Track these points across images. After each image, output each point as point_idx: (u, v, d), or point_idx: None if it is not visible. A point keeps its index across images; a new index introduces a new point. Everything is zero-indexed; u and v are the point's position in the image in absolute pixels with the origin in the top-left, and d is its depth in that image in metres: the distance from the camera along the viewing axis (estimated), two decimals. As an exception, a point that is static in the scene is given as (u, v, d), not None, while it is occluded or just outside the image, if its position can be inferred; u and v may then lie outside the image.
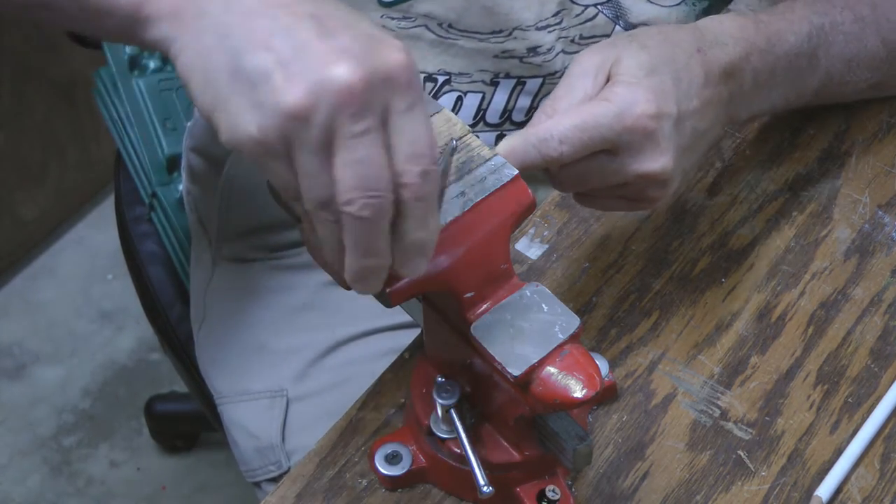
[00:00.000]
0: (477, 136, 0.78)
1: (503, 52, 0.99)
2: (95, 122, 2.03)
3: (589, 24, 1.01)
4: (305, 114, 0.63)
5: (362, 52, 0.64)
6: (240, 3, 0.66)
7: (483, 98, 1.02)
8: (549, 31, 0.99)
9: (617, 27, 1.02)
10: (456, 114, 1.02)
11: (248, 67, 0.64)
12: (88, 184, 2.11)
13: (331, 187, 0.64)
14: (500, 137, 1.04)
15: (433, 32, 0.98)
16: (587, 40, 1.01)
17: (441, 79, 1.01)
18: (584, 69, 0.83)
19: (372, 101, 0.64)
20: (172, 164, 1.39)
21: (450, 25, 0.98)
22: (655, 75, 0.81)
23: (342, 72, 0.63)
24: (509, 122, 1.04)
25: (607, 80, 0.82)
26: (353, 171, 0.64)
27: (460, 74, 1.01)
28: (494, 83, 1.02)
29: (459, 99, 1.02)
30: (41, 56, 1.93)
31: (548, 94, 1.02)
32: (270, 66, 0.64)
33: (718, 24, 0.88)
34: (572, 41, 1.01)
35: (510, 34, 0.99)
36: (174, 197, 1.37)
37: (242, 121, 0.64)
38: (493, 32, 0.98)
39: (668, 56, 0.83)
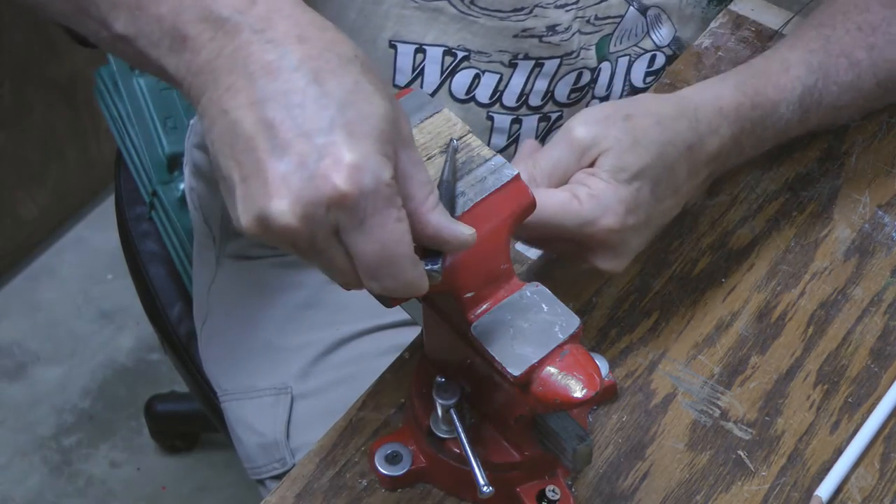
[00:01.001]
0: (477, 137, 0.78)
1: (523, 30, 1.00)
2: (95, 121, 2.03)
3: (604, 4, 1.01)
4: (258, 237, 0.66)
5: (302, 184, 0.64)
6: (217, 98, 0.67)
7: (500, 79, 1.03)
8: (567, 10, 1.00)
9: (631, 8, 1.02)
10: (473, 91, 1.03)
11: (222, 171, 0.67)
12: (88, 184, 2.11)
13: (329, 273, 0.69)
14: (515, 121, 1.04)
15: (455, 7, 0.99)
16: (602, 21, 1.02)
17: (460, 54, 1.01)
18: (573, 144, 0.84)
19: (311, 231, 0.65)
20: (173, 162, 1.39)
21: (471, 2, 0.98)
22: (636, 181, 0.83)
23: (278, 210, 0.64)
24: (526, 106, 1.04)
25: (592, 163, 0.84)
26: (330, 275, 0.69)
27: (479, 53, 1.01)
28: (513, 65, 1.02)
29: (477, 77, 1.03)
30: (41, 56, 1.93)
31: (564, 77, 1.02)
32: (234, 179, 0.66)
33: (716, 103, 0.89)
34: (588, 21, 1.01)
35: (531, 11, 0.99)
36: (175, 196, 1.37)
37: (233, 215, 0.67)
38: (514, 10, 0.99)
39: (657, 157, 0.84)
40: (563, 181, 0.84)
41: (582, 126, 0.84)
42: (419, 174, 0.68)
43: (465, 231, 0.69)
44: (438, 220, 0.69)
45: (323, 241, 0.66)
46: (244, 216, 0.66)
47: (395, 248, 0.66)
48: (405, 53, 1.01)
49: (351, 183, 0.64)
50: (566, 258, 0.88)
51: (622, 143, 0.83)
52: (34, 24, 1.88)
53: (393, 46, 1.01)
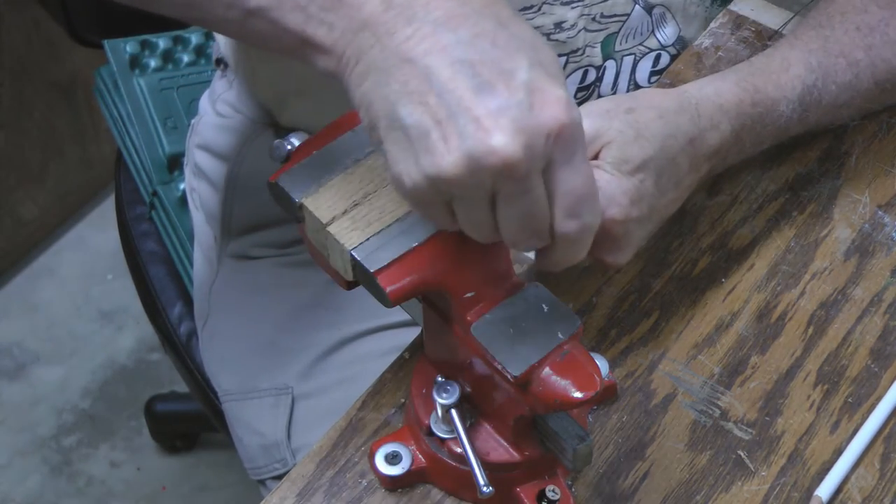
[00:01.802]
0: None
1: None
2: (95, 122, 2.03)
3: (610, 2, 1.02)
4: (463, 180, 0.65)
5: (520, 115, 0.64)
6: (397, 48, 0.66)
7: None
8: (573, 8, 1.00)
9: (637, 7, 1.03)
10: None
11: (404, 121, 0.65)
12: (88, 184, 2.11)
13: (493, 230, 0.68)
14: None
15: None
16: (608, 19, 1.02)
17: None
18: None
19: (531, 165, 0.65)
20: (173, 162, 1.39)
21: None
22: (639, 173, 0.83)
23: (501, 142, 0.64)
24: None
25: (596, 155, 0.84)
26: (515, 224, 0.68)
27: None
28: None
29: None
30: (41, 56, 1.93)
31: (570, 75, 1.03)
32: (427, 123, 0.65)
33: (716, 99, 0.89)
34: (594, 19, 1.02)
35: (539, 9, 0.99)
36: (175, 196, 1.37)
37: (401, 170, 0.66)
38: (523, 9, 0.99)
39: (659, 150, 0.84)
40: None
41: (585, 119, 0.84)
42: None
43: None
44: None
45: (535, 178, 0.66)
46: (451, 157, 0.64)
47: (594, 182, 0.68)
48: None
49: (567, 115, 0.65)
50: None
51: (625, 135, 0.83)
52: (34, 24, 1.88)
53: None
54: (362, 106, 0.68)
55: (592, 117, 0.84)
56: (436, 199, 0.67)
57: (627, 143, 0.83)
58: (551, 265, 0.74)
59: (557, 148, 0.66)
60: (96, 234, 2.10)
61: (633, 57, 1.05)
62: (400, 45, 0.66)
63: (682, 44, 1.07)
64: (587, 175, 0.68)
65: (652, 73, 1.07)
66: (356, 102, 0.68)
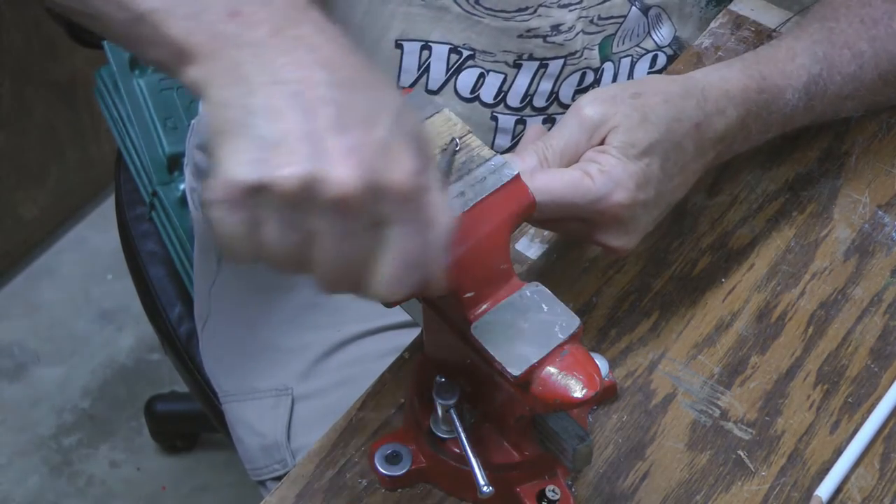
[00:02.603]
0: (476, 137, 0.78)
1: (528, 30, 1.00)
2: (95, 122, 2.03)
3: (607, 4, 1.02)
4: (292, 195, 0.63)
5: (368, 160, 0.64)
6: (271, 71, 0.66)
7: (504, 80, 1.03)
8: (571, 10, 1.00)
9: (633, 8, 1.03)
10: (478, 91, 1.03)
11: (257, 129, 0.65)
12: (88, 184, 2.11)
13: (298, 262, 0.66)
14: (519, 122, 1.05)
15: (460, 6, 0.99)
16: (605, 21, 1.02)
17: (465, 53, 1.01)
18: (582, 123, 0.84)
19: (364, 206, 0.64)
20: (173, 163, 1.39)
21: (476, 2, 0.99)
22: (646, 157, 0.83)
23: (342, 174, 0.63)
24: (530, 107, 1.04)
25: (602, 140, 0.84)
26: (325, 268, 0.66)
27: (484, 52, 1.01)
28: (517, 65, 1.02)
29: (482, 76, 1.03)
30: (41, 56, 1.93)
31: (568, 77, 1.02)
32: (277, 137, 0.64)
33: (722, 85, 0.89)
34: (591, 21, 1.02)
35: (535, 11, 0.99)
36: (175, 196, 1.37)
37: (232, 165, 0.64)
38: (518, 10, 0.99)
39: (665, 134, 0.85)
40: (573, 160, 0.84)
41: (591, 105, 0.85)
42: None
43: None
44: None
45: (363, 223, 0.65)
46: (289, 170, 0.63)
47: (429, 254, 0.67)
48: (411, 51, 1.01)
49: (414, 181, 0.65)
50: (576, 239, 0.88)
51: (631, 119, 0.84)
52: (34, 24, 1.88)
53: (399, 46, 1.01)
54: (217, 110, 0.67)
55: (598, 103, 0.84)
56: (245, 208, 0.65)
57: (633, 127, 0.83)
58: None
59: (398, 206, 0.65)
60: (96, 234, 2.10)
61: (630, 58, 1.06)
62: (276, 69, 0.66)
63: (678, 44, 1.07)
64: (424, 245, 0.66)
65: (649, 74, 1.07)
66: (210, 106, 0.67)
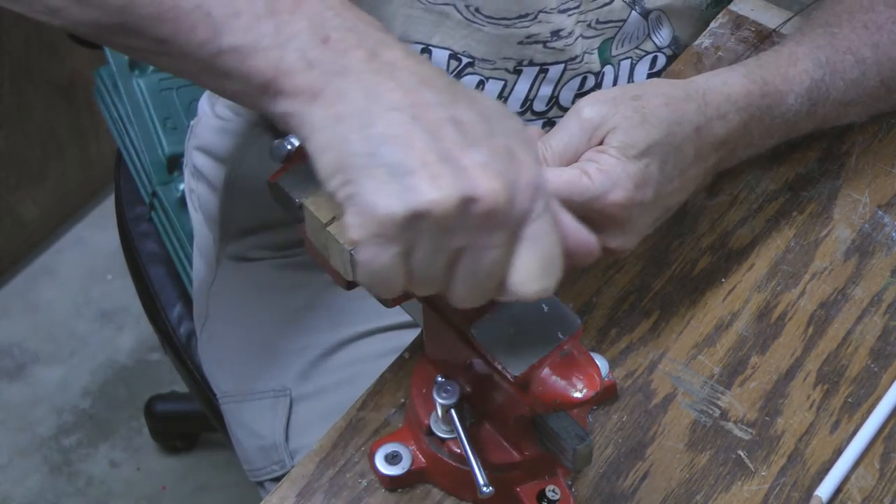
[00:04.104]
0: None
1: (528, 37, 1.00)
2: (95, 122, 2.03)
3: (606, 8, 1.02)
4: (447, 217, 0.65)
5: (504, 170, 0.66)
6: (382, 97, 0.67)
7: (504, 86, 1.03)
8: (570, 15, 1.00)
9: (633, 12, 1.02)
10: None
11: (388, 158, 0.65)
12: (88, 184, 2.11)
13: (441, 285, 0.68)
14: None
15: (460, 13, 0.99)
16: (604, 25, 1.02)
17: (465, 60, 1.01)
18: (582, 124, 0.84)
19: (507, 217, 0.66)
20: (173, 163, 1.39)
21: (476, 10, 0.98)
22: (644, 157, 0.83)
23: (489, 187, 0.65)
24: (530, 111, 1.04)
25: (601, 141, 0.84)
26: (469, 282, 0.68)
27: (483, 60, 1.01)
28: (517, 71, 1.02)
29: (481, 83, 1.03)
30: (41, 56, 1.93)
31: (568, 82, 1.02)
32: (414, 164, 0.65)
33: (724, 89, 0.89)
34: (589, 25, 1.02)
35: (535, 17, 0.99)
36: (175, 196, 1.37)
37: (377, 201, 0.65)
38: (519, 17, 0.99)
39: (665, 136, 0.84)
40: (573, 161, 0.84)
41: (591, 106, 0.85)
42: None
43: None
44: None
45: (508, 233, 0.66)
46: (439, 193, 0.64)
47: (560, 246, 0.69)
48: None
49: (542, 178, 0.67)
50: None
51: (631, 120, 0.84)
52: (34, 24, 1.88)
53: None
54: (334, 144, 0.67)
55: (599, 104, 0.84)
56: (402, 234, 0.65)
57: (633, 128, 0.83)
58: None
59: (532, 204, 0.67)
60: (96, 234, 2.10)
61: (629, 61, 1.05)
62: (384, 94, 0.67)
63: (676, 44, 1.07)
64: (558, 235, 0.69)
65: (649, 76, 1.07)
66: (323, 141, 0.67)
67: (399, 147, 0.65)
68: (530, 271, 0.68)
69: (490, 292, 0.69)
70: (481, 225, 0.65)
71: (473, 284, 0.68)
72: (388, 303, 0.73)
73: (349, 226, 0.66)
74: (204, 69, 0.71)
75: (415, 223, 0.65)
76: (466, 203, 0.65)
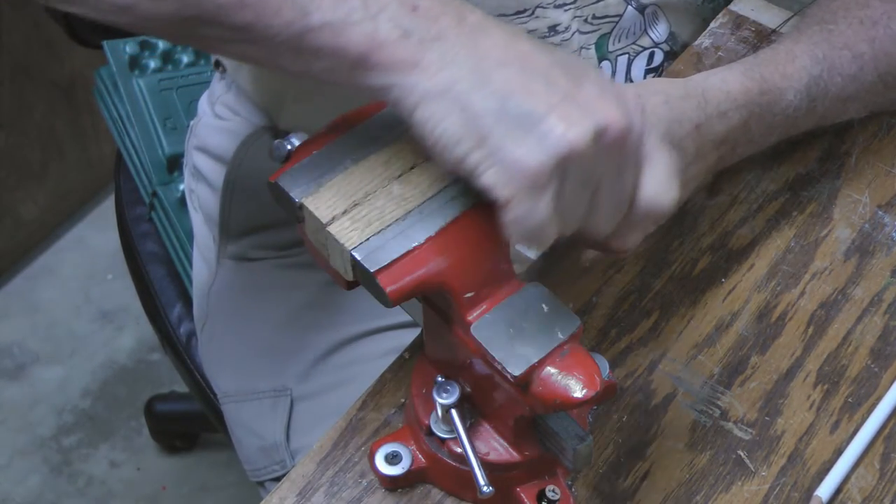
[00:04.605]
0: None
1: (526, 33, 1.00)
2: (95, 122, 2.03)
3: (602, 3, 1.02)
4: (589, 151, 0.67)
5: (617, 97, 0.69)
6: (487, 55, 0.69)
7: None
8: (566, 10, 1.00)
9: (629, 7, 1.03)
10: None
11: (516, 110, 0.67)
12: (88, 184, 2.11)
13: (586, 215, 0.72)
14: None
15: None
16: (600, 20, 1.02)
17: None
18: None
19: (632, 138, 0.70)
20: (173, 163, 1.39)
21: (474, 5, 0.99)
22: None
23: (617, 114, 0.68)
24: None
25: None
26: (611, 208, 0.72)
27: None
28: None
29: None
30: (41, 56, 1.93)
31: None
32: (541, 109, 0.67)
33: (723, 87, 0.89)
34: (586, 21, 1.02)
35: (532, 13, 0.99)
36: (175, 196, 1.37)
37: (522, 154, 0.67)
38: (516, 13, 0.99)
39: (664, 133, 0.85)
40: None
41: None
42: None
43: None
44: None
45: (632, 159, 0.71)
46: (576, 130, 0.67)
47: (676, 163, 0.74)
48: None
49: (641, 106, 0.72)
50: (573, 240, 0.88)
51: None
52: (34, 24, 1.88)
53: None
54: (452, 110, 0.68)
55: None
56: (553, 180, 0.68)
57: None
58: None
59: (641, 136, 0.71)
60: (96, 234, 2.10)
61: (626, 56, 1.06)
62: (489, 52, 0.68)
63: (674, 40, 1.07)
64: (670, 151, 0.74)
65: (647, 72, 1.07)
66: (439, 109, 0.68)
67: (523, 96, 0.67)
68: (661, 183, 0.72)
69: (622, 212, 0.73)
70: (614, 151, 0.68)
71: (615, 208, 0.72)
72: (388, 302, 0.73)
73: (495, 185, 0.68)
74: (289, 50, 0.71)
75: (562, 166, 0.67)
76: (600, 134, 0.67)
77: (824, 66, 0.94)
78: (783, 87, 0.92)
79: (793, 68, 0.93)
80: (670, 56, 1.07)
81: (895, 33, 0.97)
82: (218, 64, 1.22)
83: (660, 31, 1.06)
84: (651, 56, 1.07)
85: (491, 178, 0.68)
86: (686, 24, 1.08)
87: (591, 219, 0.72)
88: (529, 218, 0.68)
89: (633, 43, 1.05)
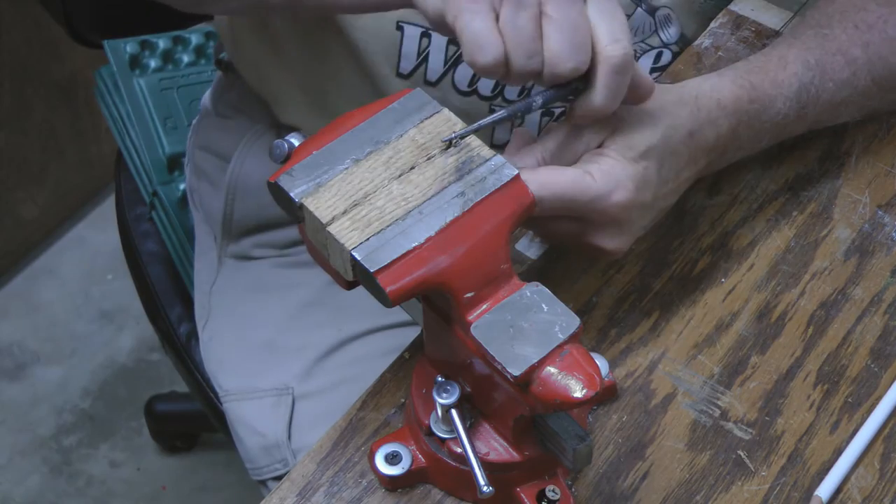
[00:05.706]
0: (477, 137, 0.78)
1: None
2: (95, 122, 2.03)
3: None
4: None
5: None
6: None
7: None
8: None
9: (638, 9, 1.03)
10: (475, 84, 1.03)
11: None
12: (88, 184, 2.11)
13: (536, 39, 0.78)
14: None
15: None
16: None
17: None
18: (579, 127, 0.85)
19: None
20: (173, 163, 1.39)
21: None
22: (644, 160, 0.84)
23: None
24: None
25: (599, 144, 0.85)
26: (561, 34, 0.78)
27: None
28: None
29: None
30: (41, 56, 1.93)
31: None
32: None
33: (714, 95, 0.90)
34: None
35: None
36: (175, 196, 1.37)
37: None
38: None
39: (661, 139, 0.86)
40: (571, 163, 0.84)
41: None
42: None
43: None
44: None
45: None
46: None
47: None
48: (411, 36, 1.01)
49: None
50: (566, 243, 0.88)
51: (630, 121, 0.85)
52: (34, 24, 1.88)
53: (399, 28, 1.01)
54: None
55: None
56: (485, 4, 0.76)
57: (634, 130, 0.84)
58: (597, 106, 0.81)
59: None
60: (96, 234, 2.10)
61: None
62: None
63: (684, 41, 1.07)
64: (620, 8, 0.80)
65: (653, 70, 1.07)
66: None
67: None
68: (610, 33, 0.79)
69: (583, 46, 0.78)
70: None
71: (566, 37, 0.77)
72: (388, 302, 0.73)
73: (445, 13, 0.78)
74: None
75: None
76: None
77: (816, 72, 0.94)
78: (773, 94, 0.92)
79: (784, 75, 0.93)
80: (678, 57, 1.07)
81: (890, 37, 0.97)
82: (220, 63, 1.22)
83: (671, 34, 1.06)
84: (659, 55, 1.07)
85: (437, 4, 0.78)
86: (694, 26, 1.08)
87: (547, 47, 0.77)
88: (471, 26, 0.76)
89: (642, 41, 1.05)
